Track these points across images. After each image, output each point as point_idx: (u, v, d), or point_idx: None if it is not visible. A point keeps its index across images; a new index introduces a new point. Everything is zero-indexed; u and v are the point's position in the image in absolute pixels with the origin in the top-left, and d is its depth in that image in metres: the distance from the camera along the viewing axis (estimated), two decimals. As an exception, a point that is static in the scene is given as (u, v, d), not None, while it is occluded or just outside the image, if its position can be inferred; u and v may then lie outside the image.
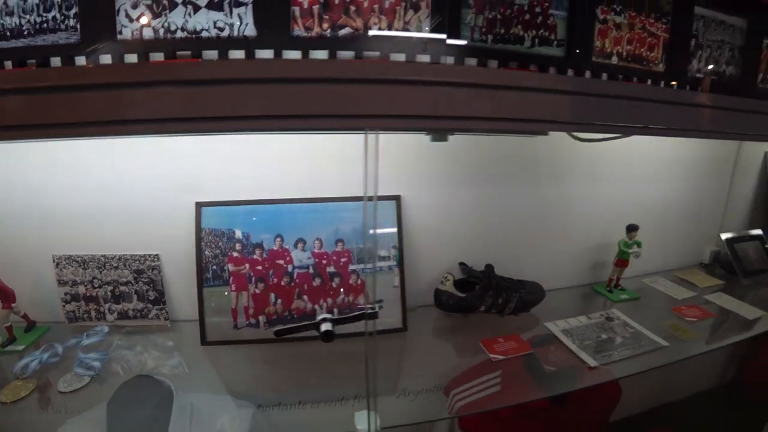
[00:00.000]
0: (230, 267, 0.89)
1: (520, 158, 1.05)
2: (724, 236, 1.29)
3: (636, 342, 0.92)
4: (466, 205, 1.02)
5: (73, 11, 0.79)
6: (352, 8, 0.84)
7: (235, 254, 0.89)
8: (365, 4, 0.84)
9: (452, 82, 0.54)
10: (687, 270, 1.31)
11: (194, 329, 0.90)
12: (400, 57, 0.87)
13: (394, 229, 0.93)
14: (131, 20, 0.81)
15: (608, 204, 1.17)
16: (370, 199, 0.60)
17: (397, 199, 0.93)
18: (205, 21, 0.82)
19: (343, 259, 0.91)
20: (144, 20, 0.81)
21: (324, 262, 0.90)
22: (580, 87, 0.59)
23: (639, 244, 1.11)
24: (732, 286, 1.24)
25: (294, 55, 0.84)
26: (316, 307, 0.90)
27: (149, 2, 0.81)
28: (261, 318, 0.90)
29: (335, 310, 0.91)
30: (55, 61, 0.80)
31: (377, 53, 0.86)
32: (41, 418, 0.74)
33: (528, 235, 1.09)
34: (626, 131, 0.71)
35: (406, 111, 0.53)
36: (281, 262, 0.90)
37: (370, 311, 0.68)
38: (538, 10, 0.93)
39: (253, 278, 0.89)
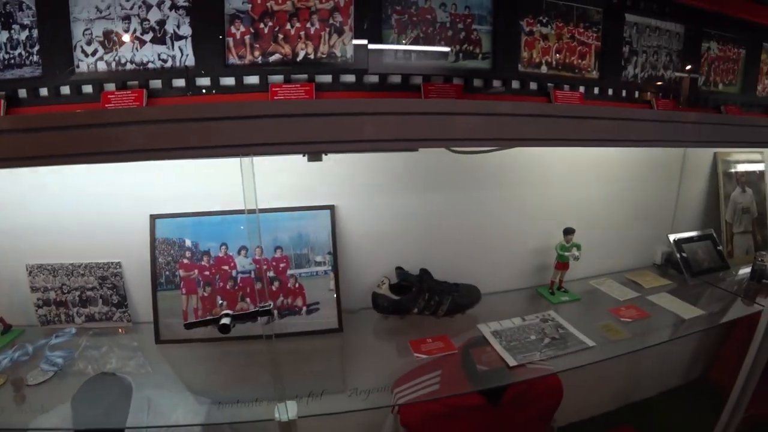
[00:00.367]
0: (181, 273, 0.93)
1: (462, 167, 1.05)
2: (672, 237, 1.24)
3: (563, 343, 0.90)
4: (406, 213, 1.04)
5: (35, 48, 0.85)
6: (281, 36, 0.88)
7: (185, 261, 0.93)
8: (292, 32, 0.88)
9: (326, 112, 0.56)
10: (638, 271, 1.27)
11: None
12: (327, 78, 0.89)
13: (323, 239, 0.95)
14: (86, 55, 0.87)
15: (553, 208, 1.16)
16: (251, 212, 0.62)
17: (331, 208, 0.95)
18: (150, 54, 0.88)
19: (281, 265, 0.93)
20: (98, 55, 0.86)
21: (264, 267, 0.93)
22: (446, 108, 0.59)
23: (578, 247, 1.09)
24: (680, 286, 1.19)
25: (229, 81, 0.88)
26: (258, 308, 0.93)
27: (101, 39, 0.86)
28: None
29: (275, 312, 0.93)
30: (22, 93, 0.86)
31: (305, 76, 0.89)
32: (11, 406, 0.79)
33: (469, 240, 1.10)
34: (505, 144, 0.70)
35: (284, 139, 0.56)
36: (226, 267, 0.93)
37: (264, 309, 0.69)
38: (460, 26, 0.93)
39: (202, 283, 0.93)
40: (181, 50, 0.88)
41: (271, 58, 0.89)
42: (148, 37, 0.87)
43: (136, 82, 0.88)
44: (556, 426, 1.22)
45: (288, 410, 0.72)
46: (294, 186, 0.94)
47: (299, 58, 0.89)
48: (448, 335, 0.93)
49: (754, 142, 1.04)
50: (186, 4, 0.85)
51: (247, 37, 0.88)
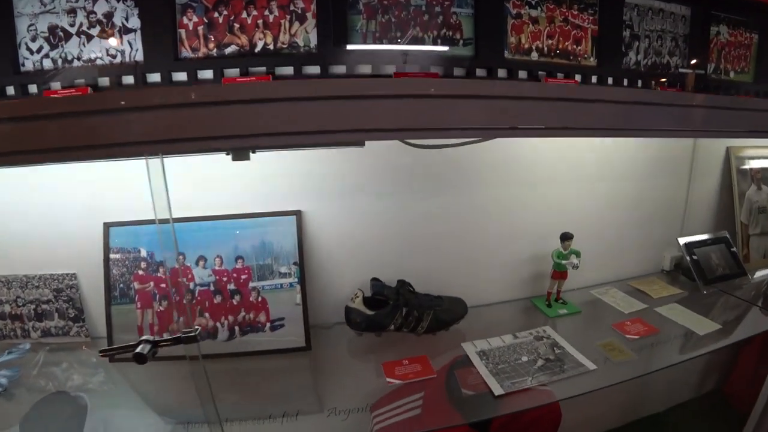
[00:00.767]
0: (136, 285, 0.81)
1: (447, 166, 0.91)
2: (682, 241, 1.07)
3: (559, 365, 0.75)
4: (384, 217, 0.90)
5: (-23, 47, 0.75)
6: (236, 26, 0.75)
7: (140, 272, 0.81)
8: (249, 21, 0.75)
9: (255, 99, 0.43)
10: (645, 279, 1.10)
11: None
12: (288, 71, 0.76)
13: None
14: (32, 52, 0.76)
15: (550, 210, 1.00)
16: (164, 221, 0.49)
17: (297, 214, 0.81)
18: (98, 50, 0.76)
19: (243, 276, 0.80)
20: (43, 52, 0.75)
21: (224, 279, 0.80)
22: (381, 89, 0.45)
23: (577, 254, 0.92)
24: (692, 296, 1.02)
25: (181, 76, 0.76)
26: (218, 324, 0.80)
27: (46, 34, 0.75)
28: (165, 335, 0.80)
29: (236, 328, 0.80)
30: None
31: (263, 69, 0.75)
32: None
33: (455, 247, 0.95)
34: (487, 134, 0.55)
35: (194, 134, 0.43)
36: (184, 279, 0.80)
37: (188, 335, 0.56)
38: (437, 9, 0.79)
39: (157, 296, 0.80)
40: (130, 44, 0.76)
41: (227, 50, 0.76)
42: (95, 31, 0.76)
43: (83, 80, 0.77)
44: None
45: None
46: (255, 190, 0.81)
47: (257, 49, 0.76)
48: (427, 356, 0.78)
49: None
50: (134, -7, 0.74)
51: (200, 28, 0.75)
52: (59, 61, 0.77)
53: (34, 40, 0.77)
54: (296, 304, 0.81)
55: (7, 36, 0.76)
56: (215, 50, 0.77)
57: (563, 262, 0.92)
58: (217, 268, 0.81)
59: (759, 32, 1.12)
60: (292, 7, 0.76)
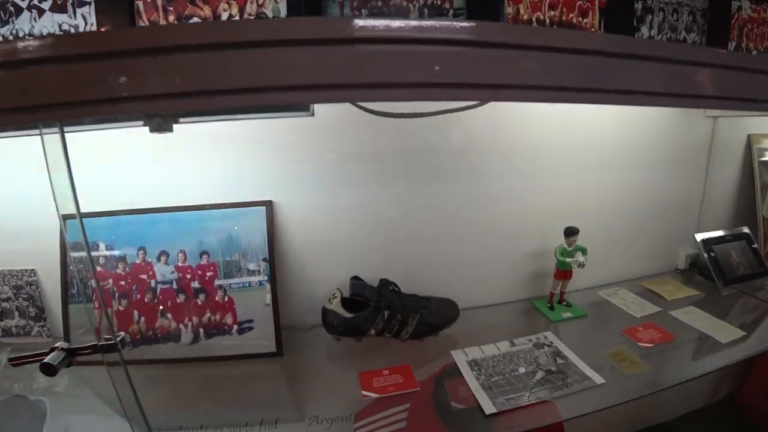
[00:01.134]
0: (94, 282, 0.70)
1: (438, 151, 0.79)
2: (699, 237, 0.92)
3: (561, 378, 0.62)
4: (366, 209, 0.79)
5: None
6: (198, -6, 0.64)
7: (98, 269, 0.70)
8: (212, -12, 0.64)
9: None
10: (658, 278, 0.96)
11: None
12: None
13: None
14: (-20, 29, 0.66)
15: (553, 202, 0.87)
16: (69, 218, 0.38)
17: (267, 205, 0.70)
18: (50, 24, 0.66)
19: (208, 273, 0.70)
20: (-8, 28, 0.65)
21: (188, 276, 0.69)
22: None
23: (583, 251, 0.80)
24: (710, 298, 0.88)
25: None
26: (181, 326, 0.69)
27: (-5, 9, 0.65)
28: (125, 337, 0.70)
29: (201, 330, 0.69)
30: None
31: (228, 41, 0.64)
32: None
33: (446, 242, 0.83)
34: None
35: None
36: (144, 276, 0.70)
37: (106, 344, 0.45)
38: (424, -24, 0.67)
39: (117, 294, 0.70)
40: (84, 18, 0.66)
41: (189, 23, 0.65)
42: (46, 5, 0.66)
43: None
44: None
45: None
46: (219, 177, 0.70)
47: (222, 21, 0.65)
48: (411, 366, 0.66)
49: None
50: (85, -40, 0.64)
51: (159, -2, 0.65)
52: (10, 38, 0.68)
53: (-18, 14, 0.67)
54: (266, 305, 0.70)
55: (-45, 11, 0.67)
56: (175, 23, 0.66)
57: (568, 259, 0.79)
58: (180, 264, 0.70)
59: (785, 9, 0.97)
60: (259, -26, 0.65)
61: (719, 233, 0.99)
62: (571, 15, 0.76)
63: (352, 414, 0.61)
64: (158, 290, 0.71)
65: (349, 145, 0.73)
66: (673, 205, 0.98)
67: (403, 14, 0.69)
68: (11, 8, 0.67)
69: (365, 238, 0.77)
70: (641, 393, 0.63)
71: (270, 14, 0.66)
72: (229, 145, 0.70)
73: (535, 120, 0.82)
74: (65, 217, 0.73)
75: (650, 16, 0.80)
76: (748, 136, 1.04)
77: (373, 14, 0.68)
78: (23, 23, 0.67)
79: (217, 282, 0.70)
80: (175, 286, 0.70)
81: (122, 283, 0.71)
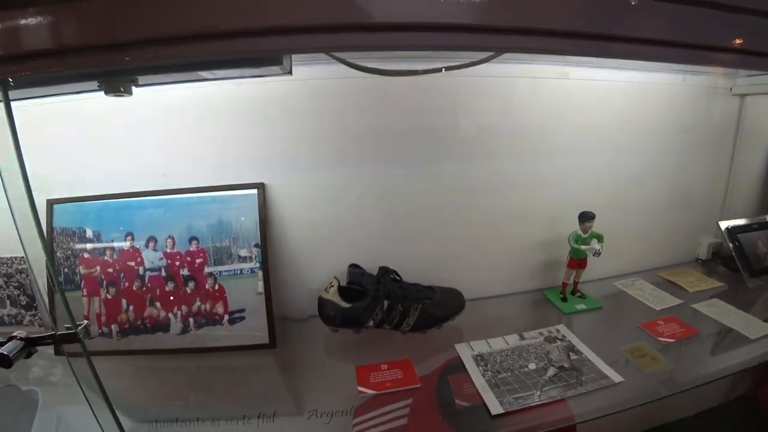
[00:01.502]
0: (81, 269, 0.66)
1: (442, 128, 0.72)
2: (724, 225, 0.84)
3: (576, 376, 0.56)
4: (365, 191, 0.72)
5: None
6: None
7: (86, 255, 0.66)
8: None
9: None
10: (677, 269, 0.88)
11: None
12: None
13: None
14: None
15: (566, 186, 0.79)
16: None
17: (259, 187, 0.65)
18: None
19: (198, 260, 0.65)
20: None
21: (177, 263, 0.64)
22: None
23: (599, 238, 0.72)
24: (735, 290, 0.80)
25: None
26: (170, 315, 0.65)
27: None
28: (114, 327, 0.66)
29: (191, 320, 0.64)
30: None
31: None
32: None
33: (452, 228, 0.76)
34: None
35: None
36: (132, 263, 0.65)
37: (65, 333, 0.41)
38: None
39: (105, 282, 0.66)
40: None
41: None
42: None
43: None
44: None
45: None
46: (208, 157, 0.65)
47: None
48: (412, 360, 0.60)
49: None
50: None
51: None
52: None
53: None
54: (258, 294, 0.65)
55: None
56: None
57: (582, 247, 0.72)
58: (168, 250, 0.65)
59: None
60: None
61: (745, 221, 0.91)
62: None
63: (352, 408, 0.56)
64: (146, 278, 0.66)
65: (348, 122, 0.66)
66: (695, 190, 0.89)
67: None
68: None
69: (364, 223, 0.71)
70: (663, 392, 0.56)
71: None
72: (216, 121, 0.64)
73: (548, 98, 0.75)
74: (51, 202, 0.69)
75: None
76: (780, 116, 0.94)
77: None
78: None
79: (206, 269, 0.65)
80: (163, 273, 0.66)
81: (110, 270, 0.67)
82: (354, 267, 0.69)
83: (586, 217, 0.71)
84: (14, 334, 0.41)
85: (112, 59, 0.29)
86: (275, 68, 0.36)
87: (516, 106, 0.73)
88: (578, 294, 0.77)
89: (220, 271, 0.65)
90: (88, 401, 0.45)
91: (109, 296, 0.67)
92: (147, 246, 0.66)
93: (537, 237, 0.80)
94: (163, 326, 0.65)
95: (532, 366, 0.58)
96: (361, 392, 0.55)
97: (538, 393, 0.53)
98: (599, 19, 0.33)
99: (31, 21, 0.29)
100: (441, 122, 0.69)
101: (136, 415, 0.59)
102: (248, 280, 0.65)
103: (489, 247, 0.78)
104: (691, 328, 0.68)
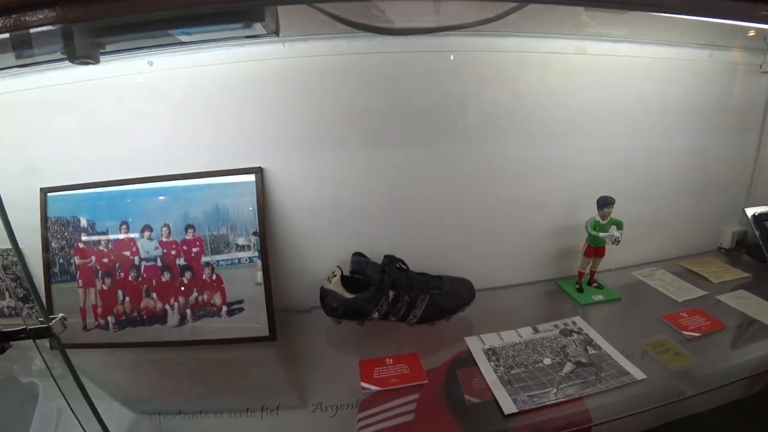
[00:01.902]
0: (76, 260, 0.63)
1: (451, 106, 0.66)
2: (750, 211, 0.78)
3: (594, 372, 0.51)
4: (370, 176, 0.67)
5: None
6: None
7: (81, 245, 0.63)
8: None
9: None
10: (700, 258, 0.83)
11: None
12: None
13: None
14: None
15: (585, 168, 0.74)
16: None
17: (257, 172, 0.60)
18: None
19: (194, 249, 0.61)
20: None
21: (173, 252, 0.61)
22: None
23: (619, 225, 0.67)
24: (763, 280, 0.74)
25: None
26: (167, 306, 0.62)
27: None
28: (110, 319, 0.63)
29: (188, 311, 0.61)
30: None
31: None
32: None
33: (462, 215, 0.71)
34: None
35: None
36: (127, 253, 0.62)
37: (38, 327, 0.37)
38: None
39: (100, 272, 0.63)
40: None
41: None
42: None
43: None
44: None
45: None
46: (202, 140, 0.60)
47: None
48: (419, 354, 0.56)
49: None
50: None
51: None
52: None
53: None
54: (257, 284, 0.61)
55: None
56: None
57: (601, 234, 0.66)
58: (164, 239, 0.62)
59: None
60: None
61: (773, 208, 0.84)
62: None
63: (357, 401, 0.53)
64: (142, 268, 0.63)
65: (350, 101, 0.61)
66: (719, 175, 0.83)
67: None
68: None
69: (369, 209, 0.66)
70: (690, 391, 0.51)
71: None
72: (209, 102, 0.60)
73: (564, 76, 0.69)
74: (45, 191, 0.66)
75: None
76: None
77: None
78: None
79: (203, 259, 0.61)
80: (159, 263, 0.62)
81: (105, 260, 0.63)
82: (358, 255, 0.65)
83: (605, 203, 0.65)
84: (-10, 327, 0.38)
85: (72, 14, 0.25)
86: (258, 26, 0.32)
87: (530, 84, 0.67)
88: (595, 284, 0.72)
89: (218, 261, 0.61)
90: (63, 395, 0.42)
91: (104, 287, 0.64)
92: (142, 235, 0.63)
93: (551, 223, 0.75)
94: (160, 318, 0.62)
95: (547, 361, 0.54)
96: (364, 388, 0.51)
97: (555, 390, 0.48)
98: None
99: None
100: (450, 101, 0.63)
101: (137, 408, 0.57)
102: (247, 270, 0.61)
103: (500, 235, 0.72)
104: (717, 321, 0.63)
